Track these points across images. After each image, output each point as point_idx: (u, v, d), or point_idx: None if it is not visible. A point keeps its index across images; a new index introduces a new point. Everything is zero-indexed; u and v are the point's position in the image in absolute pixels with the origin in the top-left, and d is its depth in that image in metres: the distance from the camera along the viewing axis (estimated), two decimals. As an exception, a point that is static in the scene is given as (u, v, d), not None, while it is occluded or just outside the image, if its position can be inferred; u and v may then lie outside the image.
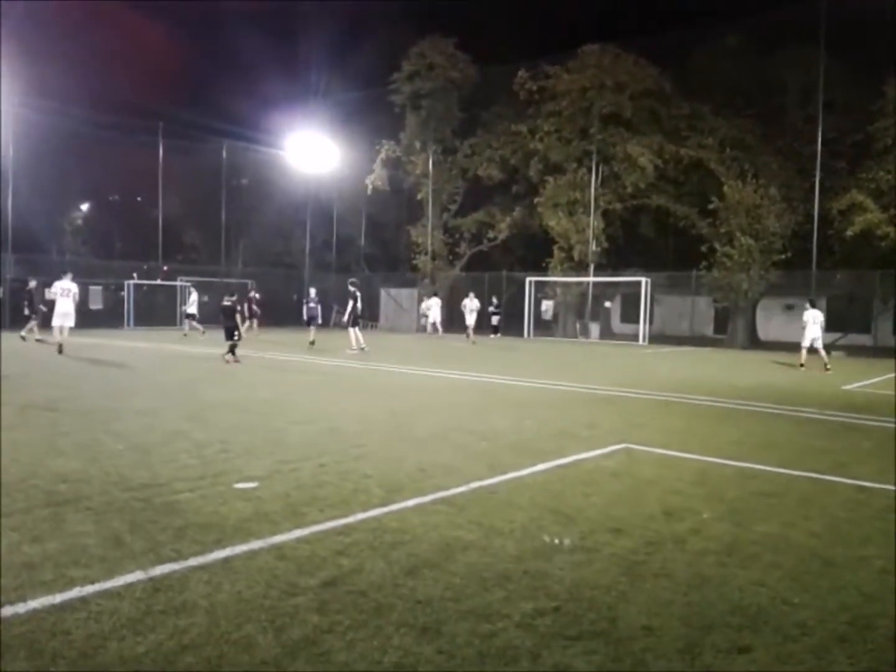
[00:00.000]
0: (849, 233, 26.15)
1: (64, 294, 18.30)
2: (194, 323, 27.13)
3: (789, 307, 33.03)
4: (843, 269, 28.56)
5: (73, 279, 19.13)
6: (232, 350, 16.10)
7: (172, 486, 5.61)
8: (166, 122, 35.72)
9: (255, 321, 30.86)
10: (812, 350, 18.82)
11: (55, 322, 18.09)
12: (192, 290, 28.96)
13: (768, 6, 26.87)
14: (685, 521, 5.09)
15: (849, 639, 3.36)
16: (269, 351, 19.83)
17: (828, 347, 27.97)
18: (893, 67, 25.79)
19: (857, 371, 18.82)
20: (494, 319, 32.69)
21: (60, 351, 17.26)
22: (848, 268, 28.32)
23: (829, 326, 31.34)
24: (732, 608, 3.66)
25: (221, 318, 17.06)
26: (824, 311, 31.58)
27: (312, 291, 24.98)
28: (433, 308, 30.64)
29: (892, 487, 6.19)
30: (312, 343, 22.40)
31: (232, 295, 17.38)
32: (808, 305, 19.41)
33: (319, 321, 25.72)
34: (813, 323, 18.84)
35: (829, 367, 18.14)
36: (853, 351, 27.11)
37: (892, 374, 18.12)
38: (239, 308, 17.81)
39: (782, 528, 4.98)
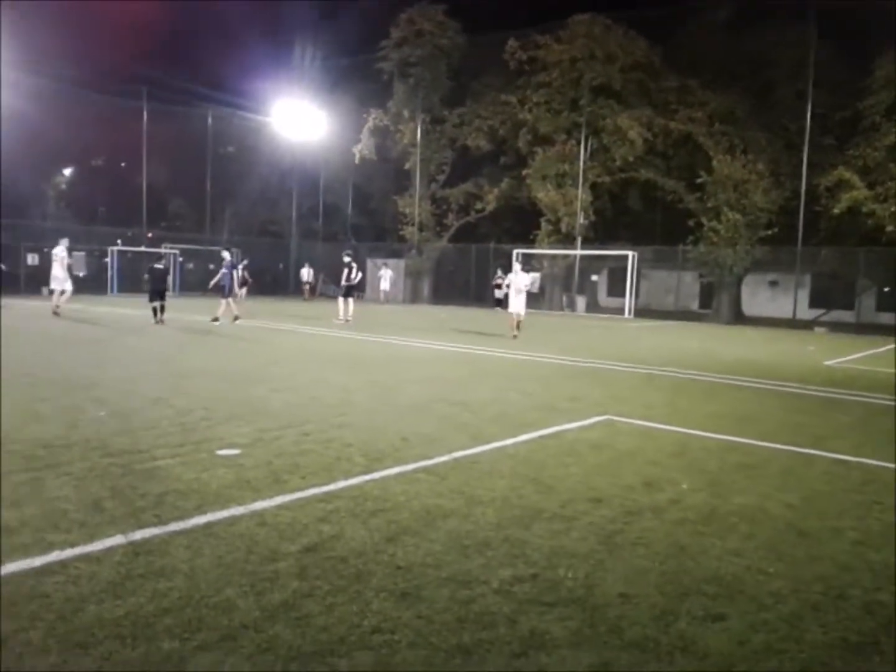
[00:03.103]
0: (835, 210, 26.22)
1: (56, 259, 19.16)
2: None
3: (773, 283, 33.22)
4: (829, 245, 28.69)
5: (67, 246, 19.64)
6: (156, 311, 17.56)
7: (153, 452, 5.60)
8: (151, 86, 35.17)
9: (244, 290, 31.01)
10: None
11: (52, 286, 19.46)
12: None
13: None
14: (664, 492, 5.14)
15: (822, 608, 3.41)
16: (254, 319, 19.74)
17: (811, 324, 28.40)
18: (883, 44, 25.71)
19: (839, 347, 19.00)
20: (499, 292, 32.74)
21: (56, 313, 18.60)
22: (833, 245, 28.46)
23: (813, 303, 31.83)
24: (708, 577, 3.71)
25: (149, 280, 18.65)
26: (808, 288, 32.08)
27: (227, 255, 20.17)
28: (385, 277, 34.81)
29: (868, 461, 6.28)
30: (216, 320, 18.32)
31: (160, 259, 19.09)
32: None
33: (237, 292, 21.51)
34: None
35: None
36: (836, 327, 27.37)
37: (874, 351, 18.31)
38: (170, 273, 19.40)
39: (760, 500, 5.04)
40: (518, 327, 17.17)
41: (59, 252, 19.10)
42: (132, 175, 38.91)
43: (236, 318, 18.49)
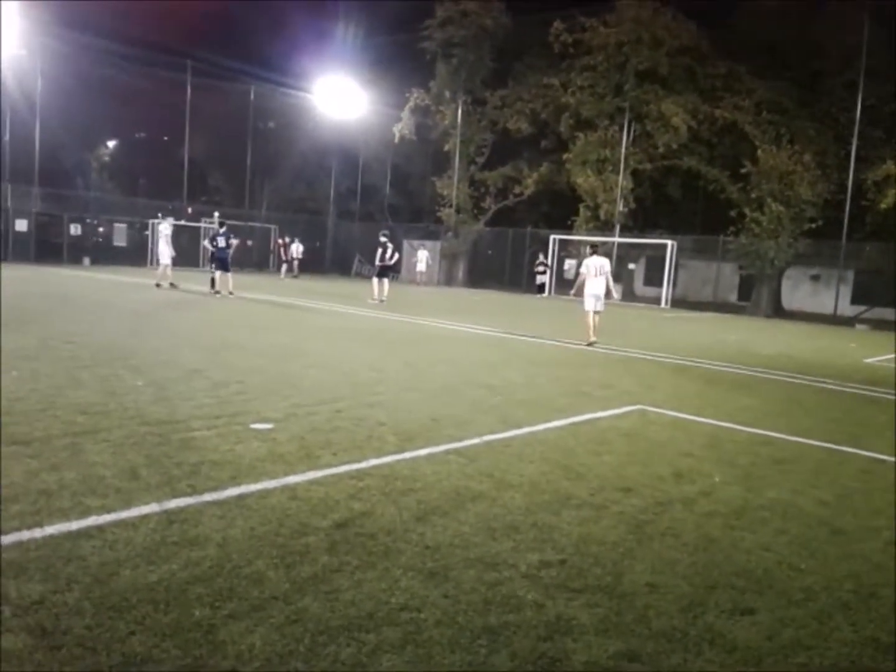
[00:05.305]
0: (882, 205, 25.57)
1: (161, 235, 20.78)
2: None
3: (815, 277, 32.59)
4: (874, 241, 28.03)
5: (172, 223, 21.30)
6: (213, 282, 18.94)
7: (189, 423, 5.68)
8: (195, 60, 35.38)
9: (284, 266, 31.49)
10: None
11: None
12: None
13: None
14: (695, 484, 5.10)
15: (852, 606, 3.37)
16: (288, 296, 19.88)
17: (852, 320, 27.83)
18: None
19: (880, 345, 18.60)
20: (541, 278, 32.66)
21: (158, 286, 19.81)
22: (878, 240, 27.79)
23: (855, 299, 31.16)
24: (738, 570, 3.68)
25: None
26: (850, 284, 31.38)
27: (217, 227, 20.03)
28: (422, 259, 34.74)
29: (907, 462, 6.16)
30: (217, 292, 18.90)
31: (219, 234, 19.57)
32: None
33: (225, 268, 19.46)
34: None
35: None
36: (878, 325, 26.77)
37: (916, 350, 17.89)
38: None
39: (792, 495, 4.98)
40: (595, 329, 13.23)
41: (165, 228, 20.38)
42: (174, 149, 39.31)
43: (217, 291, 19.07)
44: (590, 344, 12.95)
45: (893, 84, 26.53)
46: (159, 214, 34.12)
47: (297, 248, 33.20)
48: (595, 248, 13.75)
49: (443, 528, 3.94)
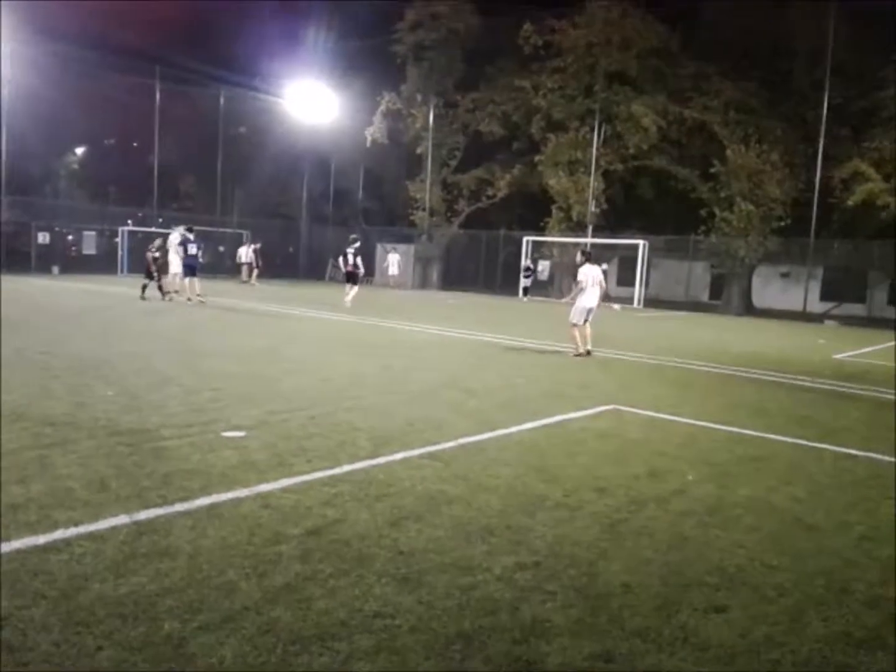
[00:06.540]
0: (849, 202, 25.95)
1: (171, 246, 20.26)
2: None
3: (785, 275, 33.00)
4: (842, 238, 28.45)
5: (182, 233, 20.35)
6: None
7: (160, 432, 5.61)
8: (164, 65, 35.04)
9: (255, 272, 31.05)
10: None
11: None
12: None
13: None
14: (669, 482, 5.12)
15: (825, 602, 3.40)
16: (263, 302, 19.75)
17: (821, 317, 28.21)
18: None
19: (849, 340, 18.88)
20: (527, 281, 32.79)
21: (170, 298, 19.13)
22: (846, 237, 28.21)
23: (825, 296, 31.62)
24: (711, 568, 3.70)
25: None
26: (819, 281, 31.81)
27: (187, 234, 19.67)
28: (393, 263, 34.09)
29: (877, 456, 6.25)
30: (189, 299, 18.66)
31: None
32: None
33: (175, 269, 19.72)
34: None
35: None
36: (847, 321, 27.20)
37: (884, 345, 18.18)
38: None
39: (766, 492, 5.02)
40: (588, 339, 12.26)
41: (174, 239, 20.05)
42: (144, 155, 38.88)
43: (166, 293, 18.99)
44: (587, 353, 12.03)
45: (859, 83, 26.96)
46: (129, 221, 33.79)
47: (246, 252, 31.34)
48: (588, 256, 12.75)
49: (417, 532, 3.92)
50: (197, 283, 18.97)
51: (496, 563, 3.60)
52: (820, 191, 27.26)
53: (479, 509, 4.34)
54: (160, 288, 18.95)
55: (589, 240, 32.02)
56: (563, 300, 14.58)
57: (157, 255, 19.19)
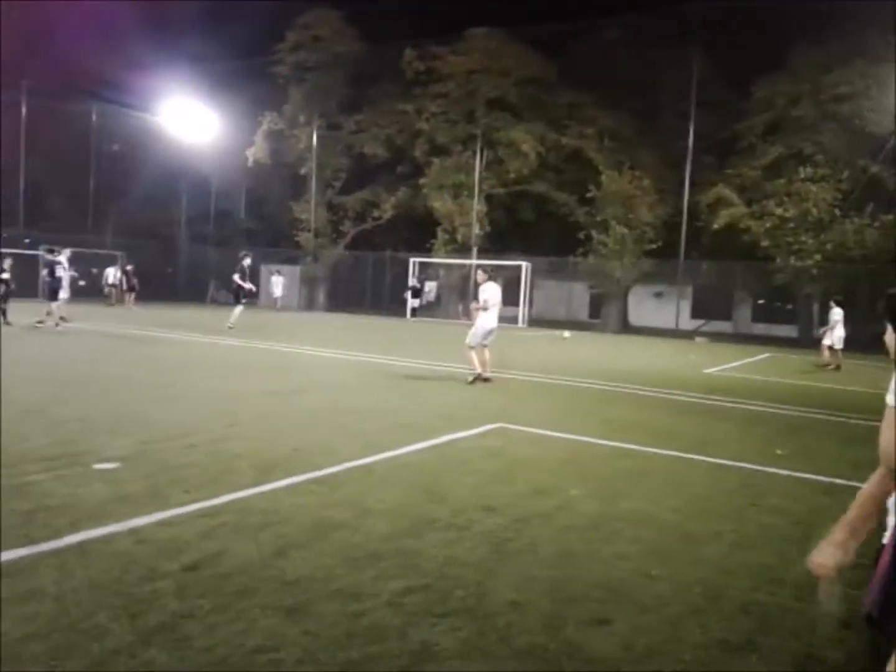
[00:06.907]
0: (715, 225, 27.59)
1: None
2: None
3: (658, 294, 34.61)
4: (709, 259, 30.19)
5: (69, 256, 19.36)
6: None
7: (23, 467, 5.24)
8: (30, 79, 33.27)
9: (132, 294, 29.72)
10: (832, 350, 17.51)
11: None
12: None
13: (647, 3, 27.84)
14: (554, 498, 5.21)
15: (702, 610, 3.53)
16: (139, 326, 18.93)
17: (692, 334, 29.74)
18: (763, 67, 27.30)
19: (718, 356, 19.95)
20: (415, 302, 32.82)
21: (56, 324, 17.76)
22: (713, 259, 29.96)
23: (695, 314, 33.36)
24: (595, 582, 3.77)
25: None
26: (690, 300, 33.60)
27: (47, 256, 18.71)
28: (277, 284, 34.56)
29: (746, 465, 6.59)
30: (56, 323, 17.53)
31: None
32: (833, 304, 17.91)
33: (64, 295, 18.48)
34: (842, 324, 17.47)
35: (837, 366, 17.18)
36: (715, 337, 28.78)
37: (749, 359, 19.32)
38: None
39: (647, 504, 5.19)
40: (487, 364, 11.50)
41: (58, 258, 18.83)
42: (10, 174, 36.65)
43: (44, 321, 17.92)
44: (485, 379, 11.25)
45: (721, 114, 28.80)
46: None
47: (114, 273, 30.62)
48: (490, 274, 11.80)
49: (303, 561, 3.81)
50: (62, 308, 17.91)
51: (384, 588, 3.54)
52: (688, 215, 28.88)
53: (367, 534, 4.27)
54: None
55: (474, 261, 32.56)
56: (469, 319, 14.22)
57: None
